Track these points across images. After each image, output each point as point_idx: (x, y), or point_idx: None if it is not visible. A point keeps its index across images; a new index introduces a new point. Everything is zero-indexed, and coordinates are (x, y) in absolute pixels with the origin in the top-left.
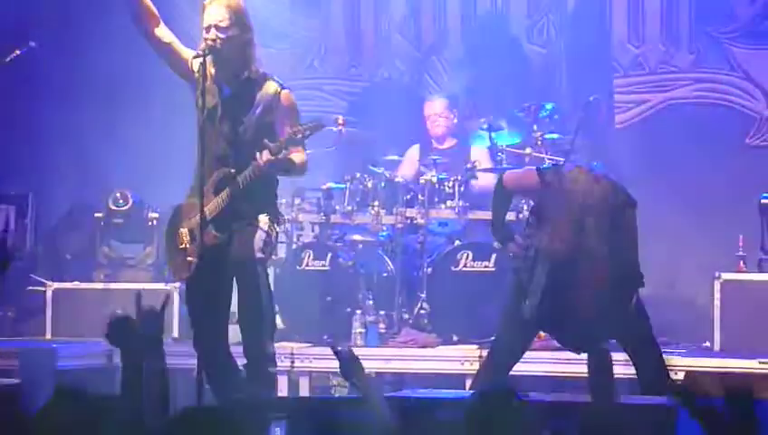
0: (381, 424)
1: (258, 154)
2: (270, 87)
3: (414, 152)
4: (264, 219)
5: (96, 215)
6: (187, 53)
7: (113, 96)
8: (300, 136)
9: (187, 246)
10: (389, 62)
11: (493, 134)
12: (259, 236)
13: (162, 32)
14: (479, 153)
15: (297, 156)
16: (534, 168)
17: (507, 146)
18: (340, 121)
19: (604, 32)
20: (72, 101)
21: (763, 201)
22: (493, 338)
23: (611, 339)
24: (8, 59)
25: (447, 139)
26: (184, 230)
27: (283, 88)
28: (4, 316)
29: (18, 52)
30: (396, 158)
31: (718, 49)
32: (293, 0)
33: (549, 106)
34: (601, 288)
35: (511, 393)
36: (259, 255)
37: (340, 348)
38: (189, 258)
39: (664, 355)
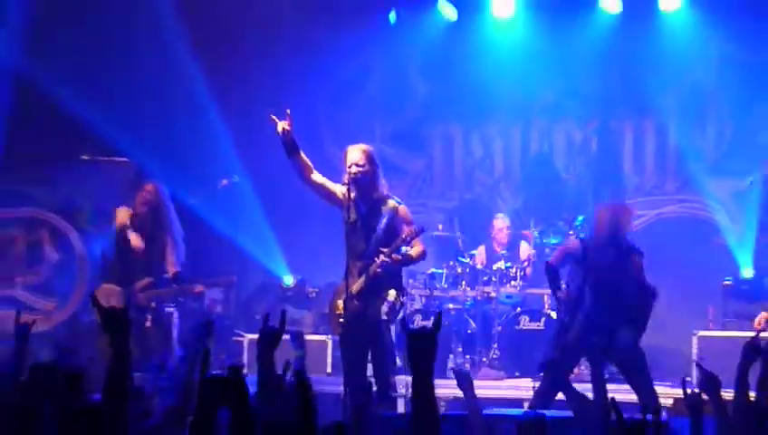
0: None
1: (376, 258)
2: (390, 203)
3: (482, 250)
4: (392, 293)
5: (280, 288)
6: (333, 187)
7: (289, 215)
8: (408, 238)
9: (341, 311)
10: (472, 188)
11: (543, 238)
12: (386, 305)
13: (315, 176)
14: (525, 251)
15: (415, 250)
16: (564, 246)
17: (552, 244)
18: (440, 228)
19: (617, 167)
20: (261, 220)
21: (725, 283)
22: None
23: (618, 361)
24: (220, 186)
25: (506, 244)
26: (340, 302)
27: (399, 204)
28: (218, 357)
29: (225, 181)
30: (475, 252)
31: (694, 179)
32: (408, 146)
33: (580, 218)
34: (616, 323)
35: (542, 419)
36: (384, 318)
37: (458, 369)
38: (341, 320)
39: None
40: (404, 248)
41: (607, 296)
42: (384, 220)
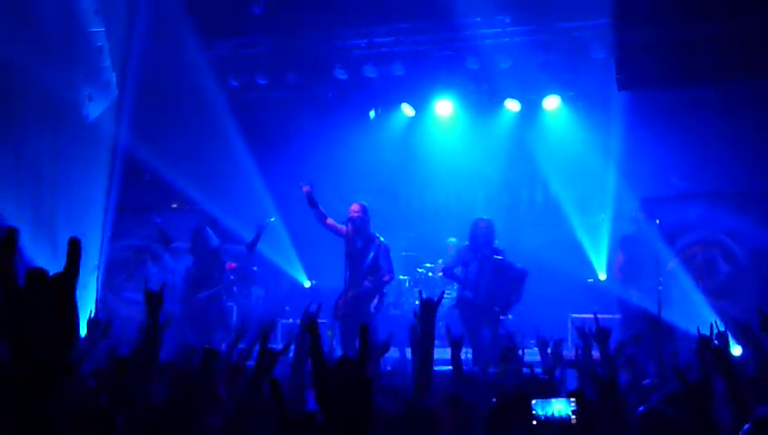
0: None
1: (366, 281)
2: (377, 240)
3: (440, 262)
4: (377, 297)
5: (301, 288)
6: (340, 226)
7: (307, 241)
8: (386, 280)
9: (341, 306)
10: (427, 221)
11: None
12: (372, 302)
13: (329, 220)
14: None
15: (387, 278)
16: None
17: None
18: (404, 254)
19: (518, 210)
20: (289, 245)
21: (588, 281)
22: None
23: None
24: (265, 222)
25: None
26: (341, 301)
27: (382, 244)
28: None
29: (267, 220)
30: (429, 265)
31: (566, 216)
32: (384, 196)
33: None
34: (500, 296)
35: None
36: (372, 311)
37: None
38: (339, 313)
39: None
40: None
41: (495, 277)
42: (372, 254)
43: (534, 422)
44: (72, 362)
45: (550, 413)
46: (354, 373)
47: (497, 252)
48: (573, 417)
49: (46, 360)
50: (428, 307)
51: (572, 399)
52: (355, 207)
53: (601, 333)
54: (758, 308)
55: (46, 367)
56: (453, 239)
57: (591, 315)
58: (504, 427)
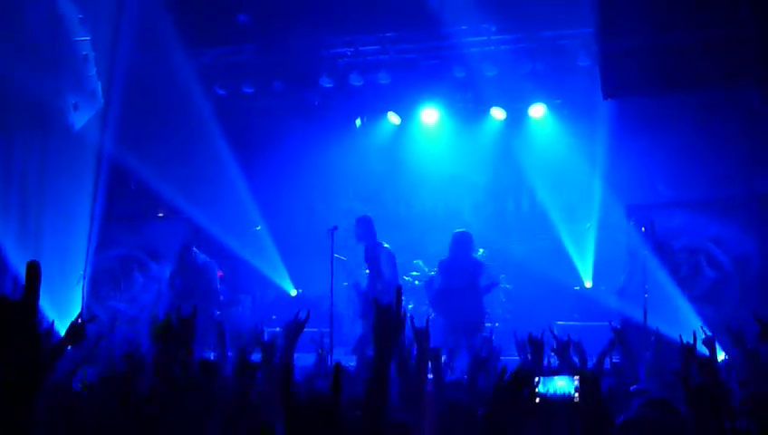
0: None
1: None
2: (380, 247)
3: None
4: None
5: (291, 294)
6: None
7: (294, 250)
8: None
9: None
10: (414, 229)
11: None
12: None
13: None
14: None
15: (380, 285)
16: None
17: None
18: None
19: (504, 218)
20: (275, 253)
21: (575, 289)
22: None
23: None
24: (251, 231)
25: None
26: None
27: (383, 250)
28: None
29: (255, 228)
30: (416, 273)
31: (552, 224)
32: (370, 201)
33: (480, 250)
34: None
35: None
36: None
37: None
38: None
39: None
40: None
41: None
42: (378, 263)
43: (537, 399)
44: (40, 375)
45: (552, 391)
46: (326, 411)
47: (469, 264)
48: (576, 395)
49: (14, 375)
50: (383, 316)
51: (576, 377)
52: (355, 225)
53: (560, 346)
54: (754, 313)
55: (15, 380)
56: (419, 261)
57: (576, 323)
58: (508, 404)
